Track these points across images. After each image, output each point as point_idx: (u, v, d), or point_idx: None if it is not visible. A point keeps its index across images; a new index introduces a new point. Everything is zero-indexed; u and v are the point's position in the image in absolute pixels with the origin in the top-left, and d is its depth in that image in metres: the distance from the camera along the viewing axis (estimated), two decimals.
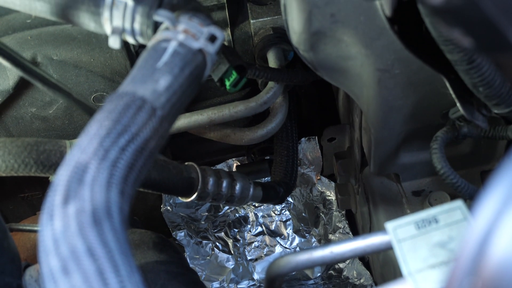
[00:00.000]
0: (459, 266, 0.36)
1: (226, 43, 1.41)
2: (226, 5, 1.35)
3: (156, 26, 0.82)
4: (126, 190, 0.62)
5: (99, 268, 0.53)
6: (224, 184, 1.24)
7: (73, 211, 0.57)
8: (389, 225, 0.78)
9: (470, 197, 1.12)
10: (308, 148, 1.91)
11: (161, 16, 0.79)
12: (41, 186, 1.72)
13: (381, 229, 0.83)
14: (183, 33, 0.77)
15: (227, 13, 1.36)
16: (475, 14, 0.46)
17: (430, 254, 0.75)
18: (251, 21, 1.37)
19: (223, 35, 0.80)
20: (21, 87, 1.34)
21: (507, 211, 0.35)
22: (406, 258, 0.75)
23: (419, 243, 0.76)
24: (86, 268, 0.53)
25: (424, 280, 0.73)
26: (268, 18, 1.37)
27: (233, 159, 1.94)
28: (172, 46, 0.76)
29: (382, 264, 1.47)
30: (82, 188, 0.59)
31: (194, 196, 1.19)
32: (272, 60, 1.37)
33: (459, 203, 0.77)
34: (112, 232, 0.56)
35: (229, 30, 1.40)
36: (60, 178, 0.61)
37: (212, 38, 0.78)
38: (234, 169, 1.90)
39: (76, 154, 0.63)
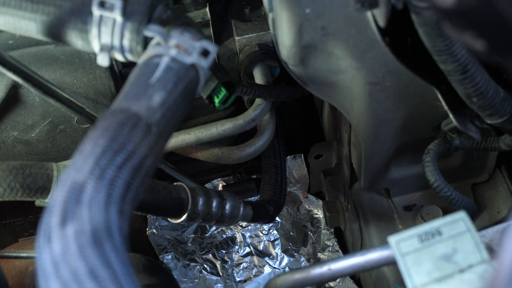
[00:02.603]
0: (501, 273, 0.34)
1: None
2: (210, 22, 1.33)
3: (146, 42, 0.80)
4: (124, 209, 0.60)
5: None
6: (214, 203, 1.22)
7: (72, 232, 0.55)
8: (392, 239, 0.76)
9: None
10: (294, 166, 1.90)
11: (152, 31, 0.77)
12: (23, 212, 1.68)
13: (373, 246, 0.81)
14: (175, 48, 0.75)
15: (211, 31, 1.34)
16: (489, 15, 0.44)
17: (435, 268, 0.73)
18: (236, 38, 1.36)
19: (216, 49, 0.78)
20: (3, 110, 1.32)
21: None
22: (410, 272, 0.74)
23: (423, 256, 0.74)
24: None
25: None
26: (253, 34, 1.36)
27: (219, 179, 1.92)
28: (164, 61, 0.74)
29: (375, 281, 1.46)
30: (80, 208, 0.57)
31: (184, 217, 1.17)
32: (258, 77, 1.35)
33: (462, 215, 0.76)
34: (115, 252, 0.54)
35: None
36: (56, 199, 0.59)
37: (204, 53, 0.77)
38: (220, 189, 1.88)
39: (71, 173, 0.61)
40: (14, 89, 1.28)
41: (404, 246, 0.75)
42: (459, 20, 0.49)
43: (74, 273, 0.52)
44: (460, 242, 0.74)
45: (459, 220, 0.75)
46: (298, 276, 0.90)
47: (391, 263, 0.80)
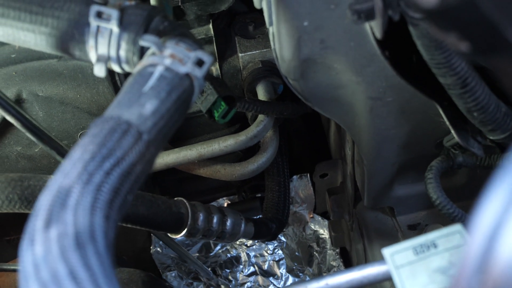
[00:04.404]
0: (466, 264, 0.34)
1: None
2: (214, 39, 1.33)
3: (142, 53, 0.80)
4: (111, 215, 0.60)
5: None
6: (215, 219, 1.21)
7: (55, 235, 0.54)
8: (386, 251, 0.75)
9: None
10: (300, 186, 1.89)
11: (147, 41, 0.77)
12: None
13: None
14: (170, 58, 0.75)
15: (215, 47, 1.35)
16: (472, 14, 0.44)
17: (429, 281, 0.72)
18: (240, 54, 1.36)
19: (211, 59, 0.78)
20: (6, 125, 1.32)
21: None
22: (405, 285, 0.73)
23: (418, 269, 0.73)
24: None
25: None
26: (257, 51, 1.36)
27: (224, 198, 1.92)
28: (158, 70, 0.74)
29: None
30: (65, 212, 0.56)
31: (184, 232, 1.16)
32: (261, 94, 1.35)
33: (458, 227, 0.75)
34: (96, 255, 0.53)
35: (218, 64, 1.39)
36: (42, 203, 0.58)
37: (199, 63, 0.77)
38: None
39: (59, 178, 0.61)
40: (17, 103, 1.28)
41: (399, 259, 0.74)
42: (443, 21, 0.48)
43: (53, 275, 0.51)
44: (456, 255, 0.73)
45: (456, 233, 0.74)
46: None
47: (389, 278, 0.78)
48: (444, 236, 0.74)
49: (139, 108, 0.69)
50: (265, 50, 1.36)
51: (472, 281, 0.33)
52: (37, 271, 0.52)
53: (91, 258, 0.53)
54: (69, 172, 0.61)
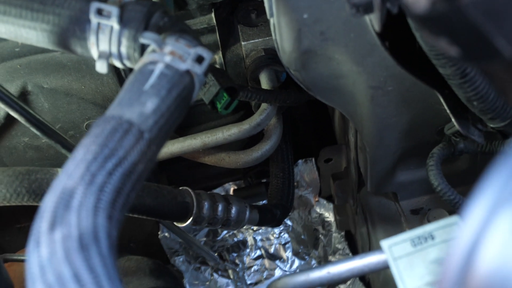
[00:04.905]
0: (446, 277, 0.35)
1: (218, 66, 1.40)
2: (216, 27, 1.34)
3: (143, 49, 0.81)
4: (114, 214, 0.61)
5: None
6: (220, 208, 1.23)
7: (59, 237, 0.56)
8: (384, 243, 0.76)
9: None
10: (305, 170, 1.90)
11: (147, 38, 0.78)
12: None
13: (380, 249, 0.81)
14: (170, 55, 0.76)
15: (217, 36, 1.35)
16: (460, 21, 0.45)
17: (427, 272, 0.73)
18: (242, 43, 1.36)
19: (211, 55, 0.79)
20: (12, 117, 1.33)
21: (494, 220, 0.34)
22: (402, 276, 0.74)
23: (416, 260, 0.74)
24: None
25: None
26: (259, 39, 1.36)
27: (230, 183, 1.93)
28: (158, 68, 0.75)
29: (382, 284, 1.45)
30: (69, 213, 0.58)
31: (189, 221, 1.18)
32: (264, 82, 1.36)
33: (455, 219, 0.76)
34: (99, 257, 0.55)
35: (221, 53, 1.39)
36: (47, 205, 0.60)
37: (199, 59, 0.77)
38: (231, 193, 1.89)
39: (62, 179, 0.62)
40: (23, 96, 1.29)
41: (397, 250, 0.75)
42: (434, 26, 0.49)
43: (58, 277, 0.53)
44: None
45: (453, 224, 0.75)
46: (298, 279, 0.91)
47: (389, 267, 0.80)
48: (441, 228, 0.75)
49: (140, 107, 0.70)
50: (267, 38, 1.36)
51: None
52: (43, 273, 0.54)
53: (94, 260, 0.55)
54: (72, 173, 0.62)
